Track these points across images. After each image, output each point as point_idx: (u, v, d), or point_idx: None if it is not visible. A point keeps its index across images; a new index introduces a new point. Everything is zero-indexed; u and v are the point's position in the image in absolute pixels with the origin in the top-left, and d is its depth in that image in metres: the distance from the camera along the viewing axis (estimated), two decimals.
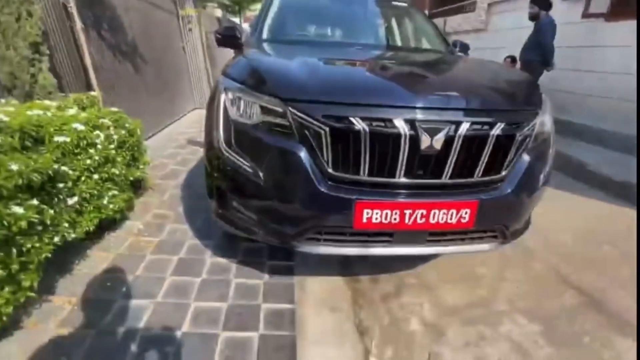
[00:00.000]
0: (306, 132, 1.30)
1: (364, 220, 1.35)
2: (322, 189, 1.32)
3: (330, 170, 1.32)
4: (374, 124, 1.26)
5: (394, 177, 1.34)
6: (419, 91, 1.34)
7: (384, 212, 1.34)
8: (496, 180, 1.44)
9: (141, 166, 2.22)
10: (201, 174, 3.25)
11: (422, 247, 1.50)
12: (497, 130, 1.32)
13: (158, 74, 4.16)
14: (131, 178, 2.07)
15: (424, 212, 1.36)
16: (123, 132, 1.97)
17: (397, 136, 1.26)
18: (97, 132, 1.70)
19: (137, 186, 2.49)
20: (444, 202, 1.36)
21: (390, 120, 1.25)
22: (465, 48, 2.78)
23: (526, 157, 1.47)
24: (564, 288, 1.94)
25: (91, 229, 1.71)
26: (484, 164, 1.37)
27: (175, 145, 3.80)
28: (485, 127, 1.32)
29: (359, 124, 1.25)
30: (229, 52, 2.69)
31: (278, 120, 1.35)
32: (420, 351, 1.54)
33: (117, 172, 1.82)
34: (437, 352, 1.53)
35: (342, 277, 2.01)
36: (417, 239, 1.48)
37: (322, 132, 1.27)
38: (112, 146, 1.82)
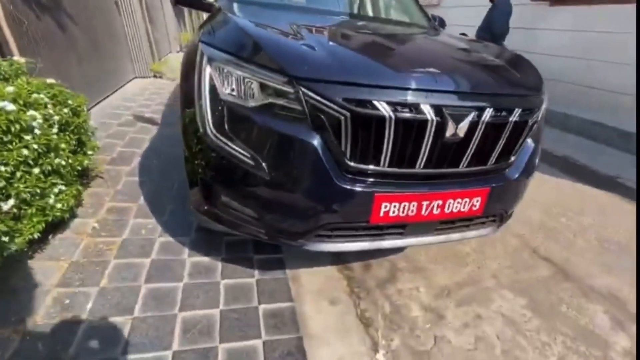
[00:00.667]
0: (322, 117, 1.12)
1: (381, 214, 1.25)
2: (339, 183, 1.17)
3: (348, 162, 1.17)
4: (399, 109, 1.12)
5: (413, 167, 1.24)
6: (444, 74, 1.23)
7: (402, 204, 1.26)
8: (504, 167, 1.43)
9: (89, 152, 1.81)
10: (160, 156, 2.86)
11: (432, 237, 1.46)
12: (515, 116, 1.29)
13: (89, 37, 3.44)
14: (79, 168, 1.68)
15: (440, 202, 1.31)
16: (65, 111, 1.55)
17: (423, 123, 1.15)
18: (32, 112, 1.30)
19: (83, 174, 2.07)
20: (459, 191, 1.32)
21: (417, 106, 1.13)
22: (442, 23, 2.73)
23: (529, 142, 1.48)
24: (537, 261, 2.11)
25: (35, 236, 1.35)
26: (498, 151, 1.34)
27: (120, 122, 3.25)
28: (505, 113, 1.27)
29: (384, 110, 1.11)
30: (170, 15, 2.27)
31: (286, 103, 1.14)
32: (425, 336, 1.55)
33: (62, 162, 1.44)
34: (440, 336, 1.56)
35: (333, 266, 1.93)
36: (428, 229, 1.44)
37: (342, 118, 1.11)
38: (53, 130, 1.42)
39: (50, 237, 1.68)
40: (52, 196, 1.41)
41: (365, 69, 1.19)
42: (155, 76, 5.11)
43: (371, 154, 1.18)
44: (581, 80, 4.68)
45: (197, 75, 1.31)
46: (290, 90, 1.12)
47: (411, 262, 2.02)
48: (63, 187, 1.48)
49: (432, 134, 1.17)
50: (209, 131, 1.26)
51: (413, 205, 1.27)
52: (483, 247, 2.19)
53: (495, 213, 1.53)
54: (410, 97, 1.13)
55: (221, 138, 1.25)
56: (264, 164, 1.19)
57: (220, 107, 1.24)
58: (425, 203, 1.28)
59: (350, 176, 1.20)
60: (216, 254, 1.80)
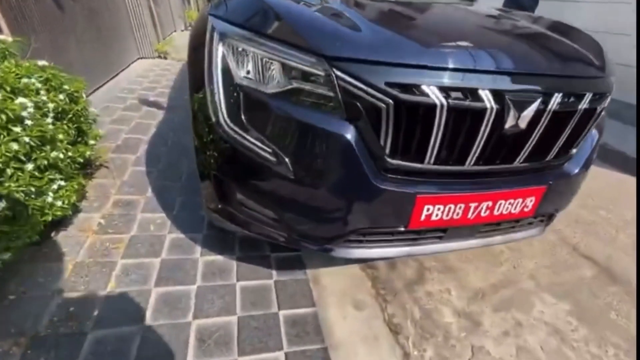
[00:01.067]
0: (358, 106, 0.93)
1: (422, 217, 1.08)
2: (376, 183, 1.00)
3: (388, 159, 0.99)
4: (453, 95, 0.93)
5: (462, 164, 1.05)
6: (505, 53, 1.02)
7: (447, 207, 1.08)
8: (564, 161, 1.23)
9: (91, 142, 1.66)
10: (167, 143, 2.70)
11: (474, 241, 1.29)
12: (585, 102, 1.08)
13: (89, 14, 3.22)
14: (80, 160, 1.53)
15: (490, 203, 1.13)
16: (61, 97, 1.38)
17: (480, 112, 0.95)
18: (22, 99, 1.14)
19: (85, 164, 1.93)
20: (512, 190, 1.14)
21: (474, 91, 0.93)
22: None
23: (594, 132, 1.27)
24: (578, 259, 1.93)
25: (34, 239, 1.22)
26: (561, 143, 1.14)
27: (125, 106, 3.08)
28: (574, 98, 1.06)
29: (435, 96, 0.91)
30: None
31: (315, 89, 0.95)
32: (461, 347, 1.41)
33: (60, 155, 1.29)
34: (479, 346, 1.42)
35: (356, 264, 1.79)
36: (471, 232, 1.27)
37: (383, 106, 0.92)
38: (48, 120, 1.26)
39: (52, 234, 1.56)
40: (51, 194, 1.26)
41: (411, 46, 0.98)
42: (160, 56, 4.89)
43: (415, 150, 0.99)
44: (627, 60, 4.27)
45: (207, 56, 1.12)
46: (320, 72, 0.93)
47: (440, 260, 1.86)
48: (63, 183, 1.33)
49: (489, 124, 0.97)
50: (222, 121, 1.09)
51: (459, 208, 1.10)
52: (518, 244, 2.01)
53: (546, 213, 1.35)
54: (466, 81, 0.93)
55: (236, 129, 1.07)
56: (287, 160, 1.02)
57: (235, 94, 1.06)
58: (473, 205, 1.11)
59: (388, 175, 1.02)
60: (230, 253, 1.66)
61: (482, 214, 1.14)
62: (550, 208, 1.31)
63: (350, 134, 0.96)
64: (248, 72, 1.04)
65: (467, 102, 0.93)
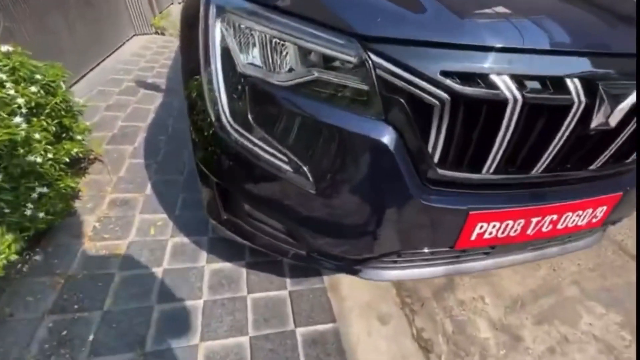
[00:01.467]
0: (402, 102, 0.71)
1: (473, 237, 0.88)
2: (420, 199, 0.79)
3: (436, 168, 0.78)
4: (531, 86, 0.69)
5: (529, 172, 0.84)
6: (598, 30, 0.77)
7: (504, 224, 0.87)
8: None
9: (78, 137, 1.46)
10: (166, 131, 2.48)
11: (524, 255, 1.10)
12: None
13: None
14: (66, 160, 1.34)
15: (555, 217, 0.92)
16: (34, 89, 1.17)
17: (565, 107, 0.72)
18: None
19: (77, 159, 1.74)
20: (584, 201, 0.92)
21: (560, 81, 0.70)
22: None
23: None
24: (626, 260, 1.73)
25: (12, 259, 1.06)
26: None
27: (120, 89, 2.85)
28: None
29: (508, 89, 0.68)
30: None
31: (344, 80, 0.73)
32: None
33: (38, 159, 1.10)
34: None
35: None
36: (522, 246, 1.07)
37: (437, 103, 0.69)
38: (16, 119, 1.05)
39: (42, 242, 1.40)
40: (30, 205, 1.09)
41: (476, 22, 0.73)
42: (157, 32, 4.56)
43: (472, 157, 0.78)
44: None
45: (202, 36, 0.89)
46: (352, 58, 0.70)
47: None
48: (45, 190, 1.15)
49: (573, 123, 0.74)
50: (224, 120, 0.88)
51: (518, 224, 0.89)
52: None
53: (613, 221, 1.13)
54: (549, 67, 0.69)
55: (241, 131, 0.86)
56: (307, 170, 0.81)
57: (239, 86, 0.84)
58: (535, 220, 0.90)
59: (434, 188, 0.81)
60: (239, 258, 1.50)
61: (544, 229, 0.94)
62: (619, 216, 1.10)
63: (389, 139, 0.74)
64: (256, 58, 0.81)
65: (548, 95, 0.70)
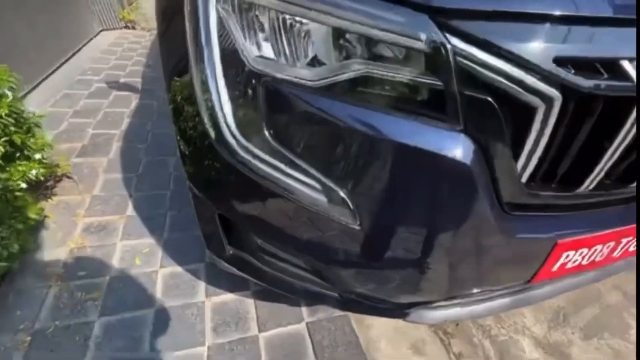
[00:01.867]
0: (491, 103, 0.50)
1: (555, 267, 0.70)
2: (501, 228, 0.60)
3: (524, 187, 0.58)
4: None
5: (627, 185, 0.65)
6: None
7: (593, 248, 0.69)
8: None
9: (37, 155, 1.19)
10: (145, 138, 2.17)
11: (594, 273, 0.92)
12: None
13: None
14: (22, 186, 1.08)
15: None
16: None
17: None
18: None
19: (39, 183, 1.46)
20: None
21: None
22: None
23: None
24: None
25: None
26: None
27: (89, 92, 2.52)
28: None
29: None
30: None
31: (406, 75, 0.51)
32: None
33: None
34: None
35: None
36: None
37: (542, 104, 0.49)
38: None
39: (2, 284, 1.14)
40: None
41: None
42: (127, 27, 4.17)
43: (570, 170, 0.58)
44: None
45: (191, 23, 0.65)
46: (421, 44, 0.49)
47: None
48: None
49: None
50: (227, 135, 0.65)
51: (607, 247, 0.71)
52: None
53: None
54: None
55: (253, 150, 0.63)
56: (346, 199, 0.60)
57: (247, 88, 0.61)
58: (625, 240, 0.72)
59: (515, 214, 0.61)
60: (244, 287, 1.28)
61: (631, 249, 0.77)
62: None
63: (469, 157, 0.53)
64: (269, 50, 0.58)
65: None
